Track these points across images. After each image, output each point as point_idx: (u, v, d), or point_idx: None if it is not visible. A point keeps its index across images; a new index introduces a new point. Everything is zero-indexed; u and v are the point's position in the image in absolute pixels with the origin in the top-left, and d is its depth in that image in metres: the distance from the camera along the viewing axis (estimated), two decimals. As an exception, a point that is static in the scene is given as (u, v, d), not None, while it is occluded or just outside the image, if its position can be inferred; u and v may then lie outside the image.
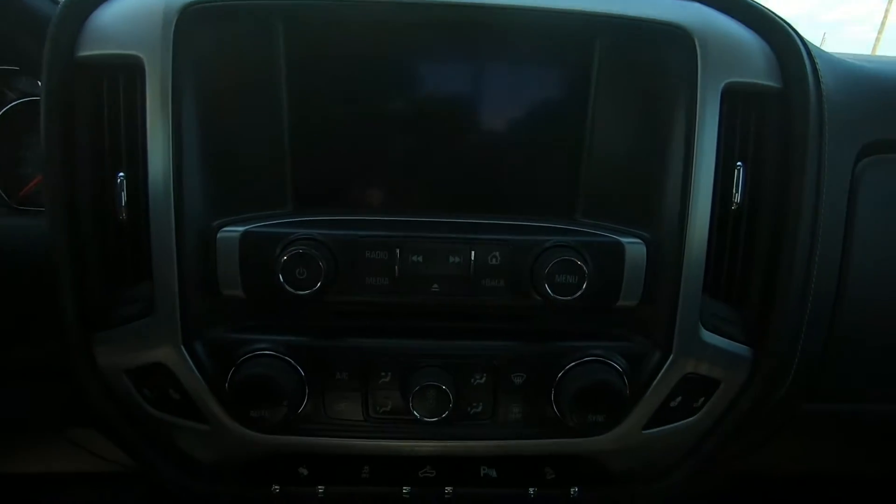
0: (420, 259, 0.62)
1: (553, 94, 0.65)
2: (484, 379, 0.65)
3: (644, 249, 0.63)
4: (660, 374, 0.66)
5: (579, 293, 0.61)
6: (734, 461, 0.92)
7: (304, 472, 0.70)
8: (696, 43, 0.62)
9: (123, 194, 0.62)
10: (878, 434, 0.88)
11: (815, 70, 0.67)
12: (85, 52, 0.61)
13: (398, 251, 0.61)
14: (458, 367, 0.64)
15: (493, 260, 0.62)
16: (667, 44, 0.63)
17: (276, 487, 0.69)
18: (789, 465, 1.05)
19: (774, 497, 1.29)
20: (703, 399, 0.70)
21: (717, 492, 1.21)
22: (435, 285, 0.62)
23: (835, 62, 0.72)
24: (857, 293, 0.70)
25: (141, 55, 0.59)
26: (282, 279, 0.59)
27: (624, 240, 0.63)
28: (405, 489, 0.70)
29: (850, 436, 0.89)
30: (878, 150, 0.71)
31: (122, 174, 0.62)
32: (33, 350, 0.69)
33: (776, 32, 0.67)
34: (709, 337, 0.66)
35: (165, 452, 0.72)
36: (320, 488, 0.69)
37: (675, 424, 0.70)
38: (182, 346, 0.62)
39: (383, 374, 0.64)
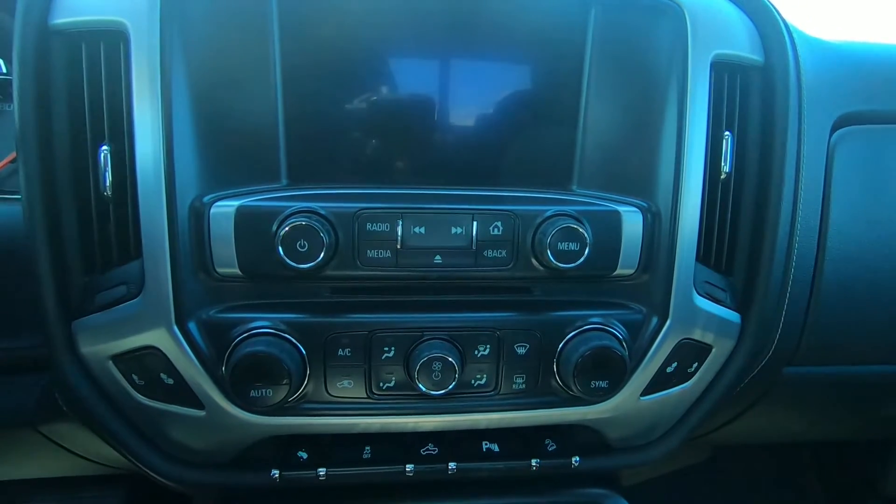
0: (422, 230, 0.61)
1: (549, 68, 0.66)
2: (488, 350, 0.64)
3: (640, 218, 0.65)
4: (657, 340, 0.67)
5: (581, 260, 0.61)
6: (721, 431, 0.96)
7: (304, 455, 0.69)
8: (687, 16, 0.64)
9: (109, 169, 0.58)
10: (851, 396, 0.93)
11: (793, 46, 0.70)
12: (60, 20, 0.57)
13: (400, 223, 0.61)
14: (462, 338, 0.64)
15: (496, 230, 0.62)
16: (658, 16, 0.64)
17: (276, 473, 0.67)
18: (772, 433, 1.09)
19: (760, 464, 1.35)
20: (696, 364, 0.72)
21: (704, 463, 1.25)
22: (437, 257, 0.62)
23: (811, 40, 0.76)
24: (834, 260, 0.74)
25: (125, 21, 0.56)
26: (282, 253, 0.58)
27: (621, 208, 0.64)
28: (408, 467, 0.69)
29: (825, 399, 0.94)
30: (851, 122, 0.75)
31: (105, 147, 0.59)
32: (8, 341, 0.65)
33: (759, 10, 0.70)
34: (702, 303, 0.69)
35: (154, 442, 0.68)
36: (321, 471, 0.67)
37: (671, 391, 0.72)
38: (175, 327, 0.60)
39: (386, 349, 0.63)
